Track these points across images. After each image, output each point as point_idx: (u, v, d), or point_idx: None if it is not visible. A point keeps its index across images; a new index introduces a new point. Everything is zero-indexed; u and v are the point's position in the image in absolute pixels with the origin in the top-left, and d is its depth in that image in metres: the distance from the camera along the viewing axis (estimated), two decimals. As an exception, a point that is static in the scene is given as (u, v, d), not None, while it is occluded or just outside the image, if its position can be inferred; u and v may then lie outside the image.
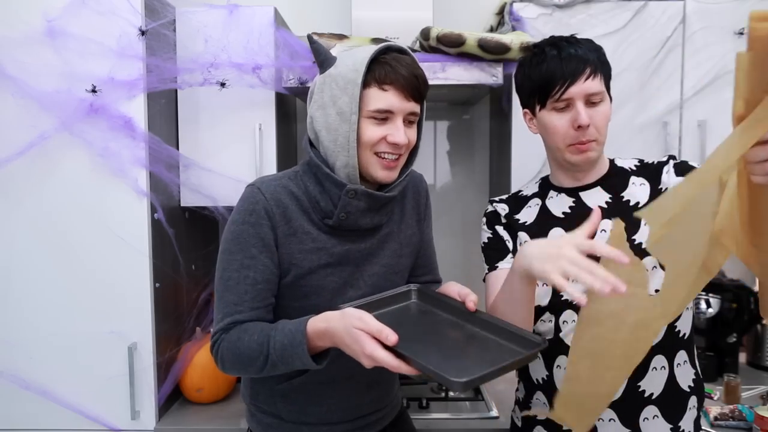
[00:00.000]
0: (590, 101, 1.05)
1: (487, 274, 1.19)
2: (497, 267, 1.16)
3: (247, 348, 0.99)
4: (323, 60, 1.04)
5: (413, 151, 1.10)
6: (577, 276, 0.81)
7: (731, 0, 1.66)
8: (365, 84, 0.99)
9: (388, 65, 0.99)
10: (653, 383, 1.07)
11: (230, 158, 1.68)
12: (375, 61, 0.99)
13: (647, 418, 1.07)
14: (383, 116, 1.00)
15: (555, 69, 1.05)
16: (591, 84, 1.04)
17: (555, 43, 1.09)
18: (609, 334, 0.89)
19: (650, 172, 1.13)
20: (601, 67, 1.07)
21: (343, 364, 1.04)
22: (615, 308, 0.87)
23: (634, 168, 1.15)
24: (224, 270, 1.05)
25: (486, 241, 1.20)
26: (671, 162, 1.13)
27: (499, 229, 1.19)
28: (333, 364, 1.04)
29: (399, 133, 1.00)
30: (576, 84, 1.04)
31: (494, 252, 1.18)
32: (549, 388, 1.13)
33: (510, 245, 1.17)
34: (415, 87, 1.01)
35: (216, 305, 1.07)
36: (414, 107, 1.02)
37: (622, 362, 0.92)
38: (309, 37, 1.06)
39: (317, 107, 1.04)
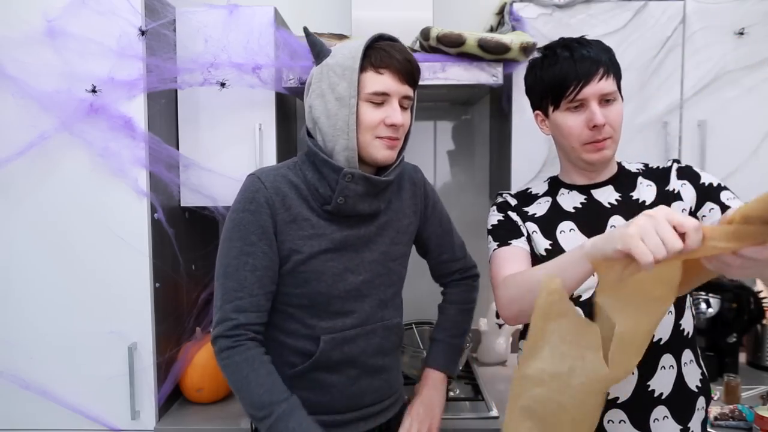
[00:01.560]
0: (605, 100, 1.07)
1: (495, 250, 1.15)
2: (510, 243, 1.14)
3: (253, 393, 1.03)
4: (319, 51, 1.09)
5: (406, 136, 1.15)
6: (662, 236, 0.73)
7: (731, 0, 1.66)
8: (362, 69, 1.04)
9: (383, 50, 1.05)
10: (662, 382, 1.07)
11: (230, 158, 1.68)
12: (370, 48, 1.05)
13: (657, 419, 1.06)
14: (380, 99, 1.05)
15: (568, 70, 1.06)
16: (604, 84, 1.05)
17: (567, 44, 1.09)
18: (554, 396, 0.84)
19: (657, 175, 1.15)
20: (613, 68, 1.08)
21: (346, 351, 1.12)
22: (559, 369, 0.83)
23: (641, 170, 1.17)
24: (224, 257, 1.09)
25: (496, 223, 1.19)
26: (675, 165, 1.15)
27: (512, 214, 1.19)
28: (336, 350, 1.11)
29: (396, 114, 1.06)
30: (590, 84, 1.05)
31: (506, 232, 1.16)
32: None
33: (524, 231, 1.16)
34: (409, 71, 1.06)
35: (216, 292, 1.10)
36: (408, 91, 1.08)
37: (570, 428, 0.85)
38: (305, 30, 1.11)
39: (316, 96, 1.08)
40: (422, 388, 1.28)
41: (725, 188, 1.08)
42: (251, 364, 1.05)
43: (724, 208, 1.05)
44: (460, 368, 1.77)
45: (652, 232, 0.73)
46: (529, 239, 1.15)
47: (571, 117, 1.08)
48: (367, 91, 1.04)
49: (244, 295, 1.07)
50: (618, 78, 1.10)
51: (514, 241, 1.14)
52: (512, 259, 1.10)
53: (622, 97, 1.11)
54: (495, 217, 1.20)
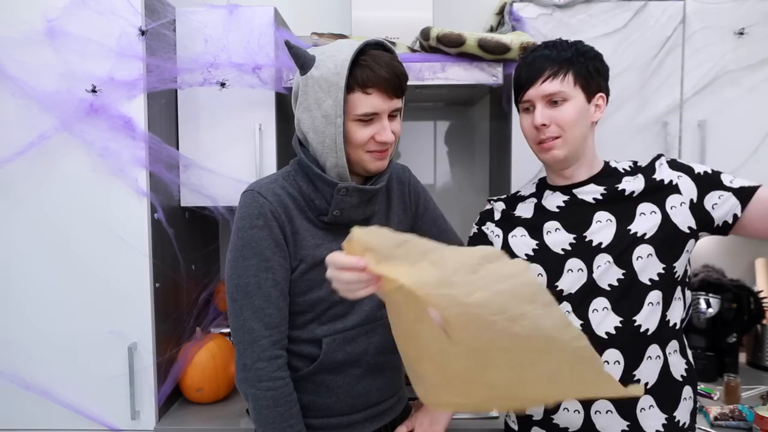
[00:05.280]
0: (551, 101, 1.09)
1: None
2: None
3: (268, 424, 1.06)
4: (303, 62, 1.05)
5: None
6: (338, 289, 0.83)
7: (731, 0, 1.66)
8: (348, 88, 1.01)
9: (368, 68, 1.01)
10: (648, 372, 1.08)
11: (230, 158, 1.68)
12: (355, 64, 1.01)
13: (644, 409, 1.08)
14: (369, 118, 1.03)
15: (519, 74, 1.12)
16: (548, 85, 1.08)
17: (536, 48, 1.14)
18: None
19: (644, 169, 1.16)
20: (573, 67, 1.08)
21: (349, 351, 1.13)
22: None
23: (628, 169, 1.17)
24: (240, 277, 1.07)
25: (471, 235, 1.26)
26: (662, 158, 1.16)
27: (488, 227, 1.23)
28: (339, 351, 1.12)
29: (386, 132, 1.04)
30: (533, 86, 1.09)
31: None
32: None
33: (498, 241, 1.20)
34: (397, 86, 1.04)
35: (237, 313, 1.07)
36: (397, 104, 1.06)
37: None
38: (286, 43, 1.07)
39: (303, 109, 1.06)
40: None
41: (719, 172, 1.11)
42: (289, 407, 1.07)
43: (734, 191, 1.07)
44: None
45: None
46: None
47: (524, 118, 1.15)
48: (356, 112, 1.02)
49: (273, 311, 1.07)
50: (583, 76, 1.09)
51: None
52: None
53: (591, 93, 1.10)
54: (473, 229, 1.27)
